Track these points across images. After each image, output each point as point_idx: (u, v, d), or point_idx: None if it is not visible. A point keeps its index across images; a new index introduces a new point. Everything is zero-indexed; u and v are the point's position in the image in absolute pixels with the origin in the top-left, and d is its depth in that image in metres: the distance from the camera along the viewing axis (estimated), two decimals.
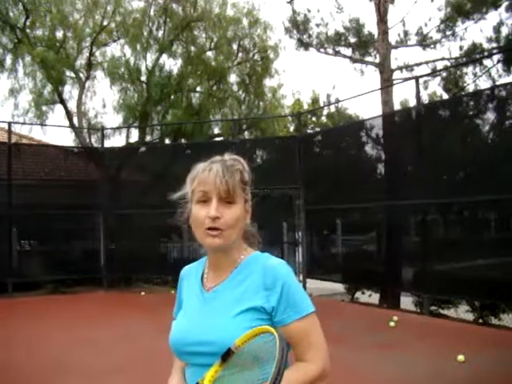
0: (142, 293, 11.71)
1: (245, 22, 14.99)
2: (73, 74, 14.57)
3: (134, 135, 15.16)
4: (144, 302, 10.75)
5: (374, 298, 10.31)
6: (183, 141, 15.14)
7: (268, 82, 16.06)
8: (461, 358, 5.50)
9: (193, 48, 14.75)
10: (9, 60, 13.99)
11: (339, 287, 11.32)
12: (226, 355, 1.28)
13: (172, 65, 15.45)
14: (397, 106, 13.52)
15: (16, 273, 11.63)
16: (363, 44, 12.61)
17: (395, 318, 7.74)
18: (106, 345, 6.92)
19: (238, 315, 1.41)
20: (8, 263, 11.57)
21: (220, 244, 1.45)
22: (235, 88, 15.88)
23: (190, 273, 1.65)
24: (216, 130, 16.28)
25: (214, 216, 1.42)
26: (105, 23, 14.00)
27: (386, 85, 11.19)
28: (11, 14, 13.65)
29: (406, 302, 9.51)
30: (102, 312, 9.66)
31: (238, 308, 1.42)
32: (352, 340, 6.78)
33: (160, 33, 14.27)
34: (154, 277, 13.22)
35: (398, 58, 16.46)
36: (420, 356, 5.87)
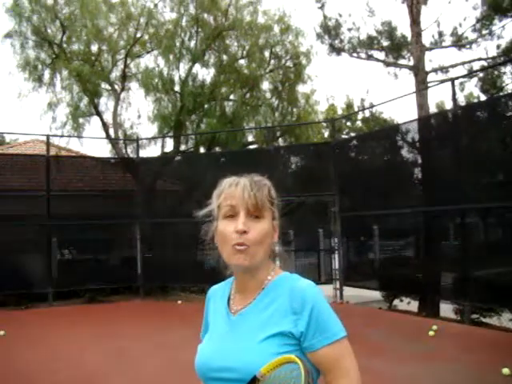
0: (179, 301, 11.77)
1: (276, 29, 14.97)
2: (108, 86, 14.81)
3: (169, 145, 15.35)
4: (181, 311, 10.80)
5: (413, 305, 10.09)
6: (217, 149, 15.20)
7: (301, 89, 15.98)
8: (506, 371, 5.26)
9: (225, 57, 14.80)
10: (47, 75, 14.33)
11: (377, 294, 11.14)
12: (252, 383, 1.24)
13: (205, 74, 15.50)
14: (432, 109, 13.27)
15: (56, 282, 11.87)
16: (396, 47, 12.42)
17: (435, 326, 7.54)
18: (141, 354, 6.97)
19: (265, 340, 1.35)
20: (48, 273, 11.83)
21: (247, 264, 1.39)
22: (268, 95, 15.85)
23: (216, 294, 1.60)
24: (250, 138, 16.29)
25: (242, 230, 1.37)
26: (138, 35, 14.20)
27: (421, 88, 10.99)
28: (49, 31, 14.02)
29: (446, 309, 9.27)
30: (139, 321, 9.73)
31: (264, 333, 1.36)
32: (390, 350, 6.64)
33: (192, 43, 14.38)
34: (191, 285, 13.28)
35: (432, 59, 16.07)
36: (461, 368, 5.67)
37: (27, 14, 13.59)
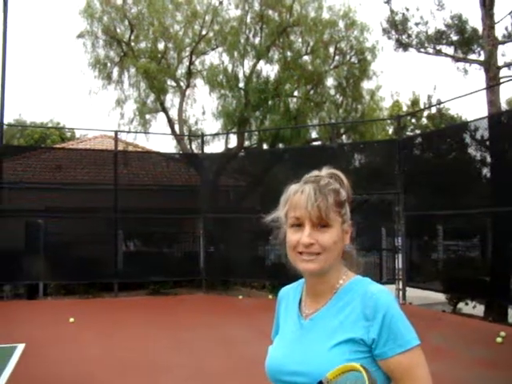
0: (240, 296, 11.89)
1: (341, 24, 14.76)
2: (174, 83, 15.13)
3: (233, 141, 15.45)
4: (241, 306, 10.91)
5: (479, 309, 9.73)
6: (281, 146, 15.21)
7: (366, 85, 15.68)
8: None
9: (289, 53, 14.75)
10: (115, 72, 14.85)
11: (441, 296, 10.82)
12: None
13: (269, 70, 15.45)
14: (504, 106, 12.71)
15: (121, 274, 12.27)
16: (466, 41, 11.97)
17: (503, 333, 7.23)
18: (204, 347, 7.09)
19: (335, 347, 1.34)
20: (114, 265, 12.24)
21: (314, 269, 1.39)
22: (332, 92, 15.66)
23: (288, 295, 1.60)
24: (313, 135, 16.16)
25: (308, 243, 1.37)
26: (203, 33, 14.42)
27: (492, 84, 10.55)
28: (118, 30, 14.51)
29: None
30: (202, 314, 9.91)
31: (335, 339, 1.36)
32: (453, 355, 6.44)
33: (257, 39, 14.44)
34: (252, 281, 13.39)
35: (505, 53, 15.31)
36: None
37: (98, 15, 14.13)
